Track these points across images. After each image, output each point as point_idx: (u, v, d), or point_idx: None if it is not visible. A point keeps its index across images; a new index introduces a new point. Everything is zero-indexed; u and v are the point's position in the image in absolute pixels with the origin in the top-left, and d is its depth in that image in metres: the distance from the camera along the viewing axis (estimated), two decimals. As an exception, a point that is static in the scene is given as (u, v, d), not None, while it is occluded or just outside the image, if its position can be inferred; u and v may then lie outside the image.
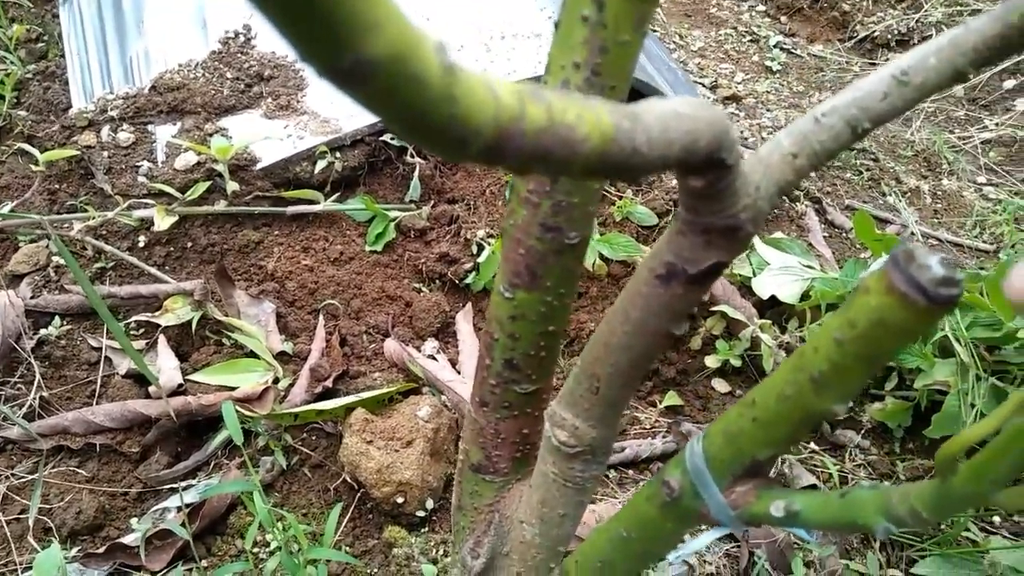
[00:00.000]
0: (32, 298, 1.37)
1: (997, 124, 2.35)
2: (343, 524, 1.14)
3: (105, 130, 1.59)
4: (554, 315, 0.64)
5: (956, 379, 1.28)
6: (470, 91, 0.24)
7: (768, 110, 2.22)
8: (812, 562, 1.19)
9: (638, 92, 1.83)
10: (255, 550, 1.08)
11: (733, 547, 1.17)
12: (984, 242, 1.92)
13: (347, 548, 1.10)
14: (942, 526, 1.22)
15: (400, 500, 1.11)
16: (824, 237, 1.78)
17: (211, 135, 1.54)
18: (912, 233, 1.82)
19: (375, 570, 1.06)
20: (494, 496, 0.75)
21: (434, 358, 1.41)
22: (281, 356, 1.34)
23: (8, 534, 1.08)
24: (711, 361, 1.45)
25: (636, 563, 0.58)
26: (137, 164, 1.54)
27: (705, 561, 1.14)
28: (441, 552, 1.09)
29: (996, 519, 1.28)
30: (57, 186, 1.55)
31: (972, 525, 1.20)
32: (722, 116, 0.38)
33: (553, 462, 0.65)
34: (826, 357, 0.41)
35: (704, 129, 0.36)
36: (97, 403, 1.25)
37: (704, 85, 2.25)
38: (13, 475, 1.15)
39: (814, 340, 0.42)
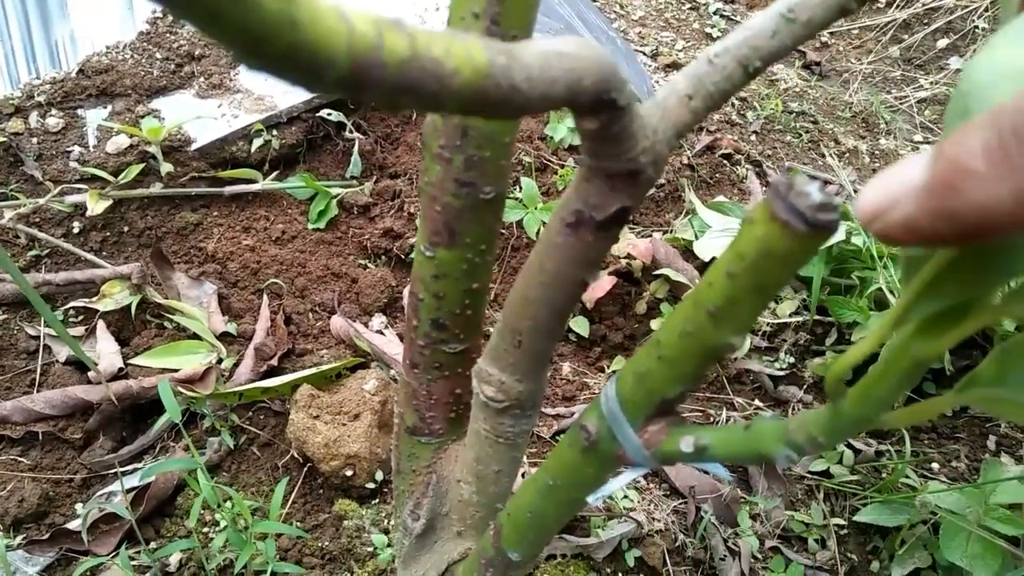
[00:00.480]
0: (-37, 289, 1.33)
1: (932, 83, 2.40)
2: (294, 500, 1.14)
3: (33, 116, 1.55)
4: (476, 272, 0.64)
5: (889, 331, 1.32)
6: (315, 17, 0.24)
7: (709, 76, 2.23)
8: (758, 515, 1.22)
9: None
10: (204, 529, 1.07)
11: (680, 503, 1.20)
12: (920, 198, 1.96)
13: (298, 523, 1.10)
14: (883, 475, 1.26)
15: (349, 473, 1.11)
16: (765, 199, 1.80)
17: (143, 117, 1.50)
18: (848, 192, 1.85)
19: (326, 543, 1.06)
20: (431, 458, 0.75)
21: (382, 333, 1.41)
22: (225, 337, 1.33)
23: (-52, 527, 1.06)
24: (656, 324, 1.47)
25: (563, 510, 0.59)
26: (68, 149, 1.51)
27: (654, 518, 1.17)
28: (391, 523, 1.10)
29: (935, 465, 1.32)
30: (-15, 174, 1.51)
31: (911, 472, 1.24)
32: (609, 56, 0.39)
33: (484, 419, 0.66)
34: (720, 291, 0.42)
35: (589, 68, 0.37)
36: (37, 391, 1.22)
37: (645, 53, 2.26)
38: (-49, 468, 1.12)
39: (709, 276, 0.43)
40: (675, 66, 2.25)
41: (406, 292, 1.53)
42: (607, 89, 0.39)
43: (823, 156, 2.04)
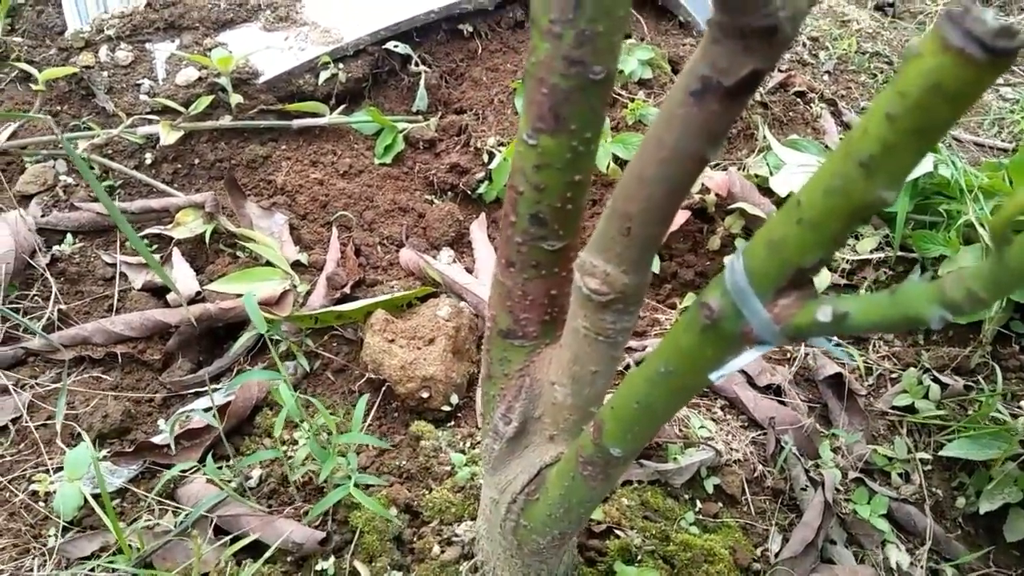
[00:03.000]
0: (43, 217, 1.36)
1: (1018, 23, 2.28)
2: (370, 423, 1.15)
3: (103, 50, 1.56)
4: (580, 161, 0.62)
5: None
6: None
7: None
8: (839, 448, 1.19)
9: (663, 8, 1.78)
10: (284, 448, 1.09)
11: (759, 435, 1.17)
12: (1003, 140, 1.88)
13: (376, 442, 1.10)
14: (969, 411, 1.22)
15: (425, 395, 1.11)
16: (840, 138, 1.74)
17: (211, 50, 1.50)
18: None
19: (403, 462, 1.06)
20: (524, 361, 0.74)
21: (451, 267, 1.40)
22: (296, 266, 1.33)
23: (38, 438, 1.08)
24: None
25: (675, 398, 0.58)
26: (138, 82, 1.51)
27: (732, 448, 1.15)
28: (468, 444, 1.10)
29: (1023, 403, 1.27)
30: (59, 107, 1.52)
31: (1001, 408, 1.19)
32: None
33: (584, 315, 0.64)
34: (876, 137, 0.39)
35: None
36: (115, 316, 1.24)
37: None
38: (38, 384, 1.15)
39: (863, 123, 0.40)
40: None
41: (472, 227, 1.51)
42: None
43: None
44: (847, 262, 1.42)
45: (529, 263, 0.69)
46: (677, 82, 0.51)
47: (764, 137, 1.61)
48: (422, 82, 1.58)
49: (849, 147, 0.41)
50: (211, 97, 1.46)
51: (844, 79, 1.98)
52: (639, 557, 0.96)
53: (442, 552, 0.93)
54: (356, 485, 0.92)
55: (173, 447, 1.03)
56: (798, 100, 1.77)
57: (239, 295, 1.23)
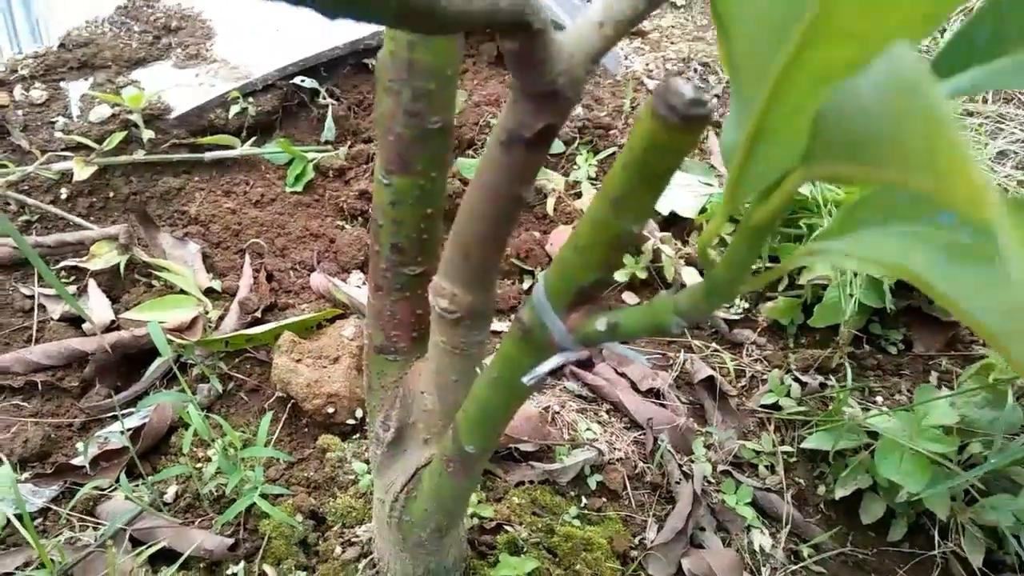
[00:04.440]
0: (-42, 253, 1.40)
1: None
2: (280, 438, 1.22)
3: (17, 89, 1.61)
4: (429, 197, 0.72)
5: (835, 272, 1.41)
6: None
7: (672, 43, 2.31)
8: (712, 444, 1.31)
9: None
10: (198, 465, 1.15)
11: (640, 435, 1.29)
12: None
13: (285, 457, 1.18)
14: (829, 406, 1.36)
15: (331, 410, 1.20)
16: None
17: (123, 87, 1.57)
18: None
19: (311, 473, 1.15)
20: (398, 374, 0.84)
21: (359, 288, 1.48)
22: (210, 293, 1.40)
23: (-45, 468, 1.13)
24: (619, 275, 1.55)
25: (508, 400, 0.68)
26: (52, 120, 1.57)
27: (615, 448, 1.26)
28: (369, 454, 1.18)
29: (879, 398, 1.41)
30: (-27, 145, 1.57)
31: (855, 403, 1.33)
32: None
33: (440, 331, 0.74)
34: (619, 181, 0.50)
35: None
36: (34, 346, 1.29)
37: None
38: (-45, 416, 1.20)
39: (613, 167, 0.50)
40: (640, 34, 2.32)
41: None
42: (522, 12, 0.47)
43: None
44: (726, 273, 1.55)
45: (394, 287, 0.79)
46: (493, 131, 0.62)
47: (653, 160, 1.74)
48: (330, 113, 1.67)
49: (605, 187, 0.52)
50: (124, 133, 1.52)
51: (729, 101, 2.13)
52: (524, 549, 1.06)
53: (343, 552, 1.01)
54: (262, 495, 1.00)
55: (89, 468, 1.09)
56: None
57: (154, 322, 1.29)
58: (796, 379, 1.38)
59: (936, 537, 1.21)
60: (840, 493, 1.25)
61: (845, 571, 1.21)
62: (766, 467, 1.29)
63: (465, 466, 0.76)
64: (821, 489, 1.29)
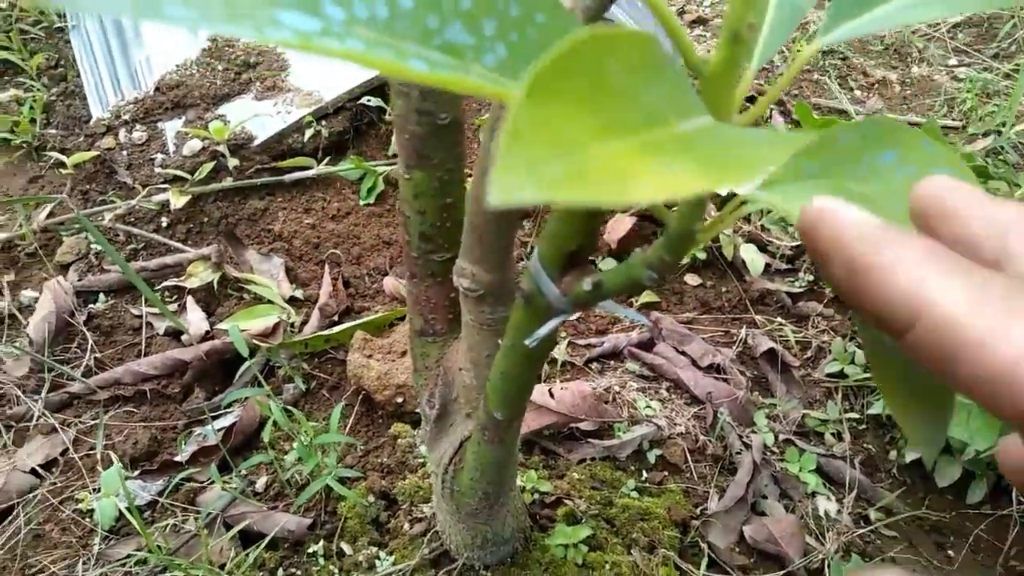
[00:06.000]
0: (79, 281, 1.58)
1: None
2: (358, 428, 1.32)
3: (122, 132, 1.79)
4: (448, 188, 0.79)
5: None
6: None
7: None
8: (777, 416, 1.32)
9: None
10: (282, 455, 1.27)
11: (700, 409, 1.31)
12: (953, 119, 1.99)
13: (361, 445, 1.28)
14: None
15: (400, 400, 1.28)
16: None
17: (211, 122, 1.72)
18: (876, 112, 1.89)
19: (385, 459, 1.24)
20: (438, 354, 0.91)
21: (429, 288, 1.57)
22: (293, 302, 1.53)
23: (82, 467, 1.29)
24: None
25: (522, 364, 0.73)
26: (152, 157, 1.74)
27: (675, 423, 1.29)
28: (439, 439, 1.26)
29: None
30: (88, 186, 1.76)
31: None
32: None
33: (468, 310, 0.81)
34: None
35: None
36: (142, 358, 1.45)
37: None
38: (80, 422, 1.36)
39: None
40: (701, 21, 2.33)
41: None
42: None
43: (851, 90, 2.08)
44: (788, 248, 1.55)
45: (427, 273, 0.86)
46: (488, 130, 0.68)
47: (711, 143, 1.75)
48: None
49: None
50: (213, 163, 1.68)
51: (797, 78, 2.11)
52: (582, 520, 1.11)
53: (411, 528, 1.10)
54: (337, 479, 1.09)
55: (189, 463, 1.22)
56: (747, 104, 1.91)
57: (243, 330, 1.42)
58: (859, 344, 1.36)
59: (1015, 496, 1.17)
60: (910, 456, 1.24)
61: (920, 534, 1.19)
62: (832, 435, 1.29)
63: (498, 433, 0.82)
64: (893, 455, 1.28)
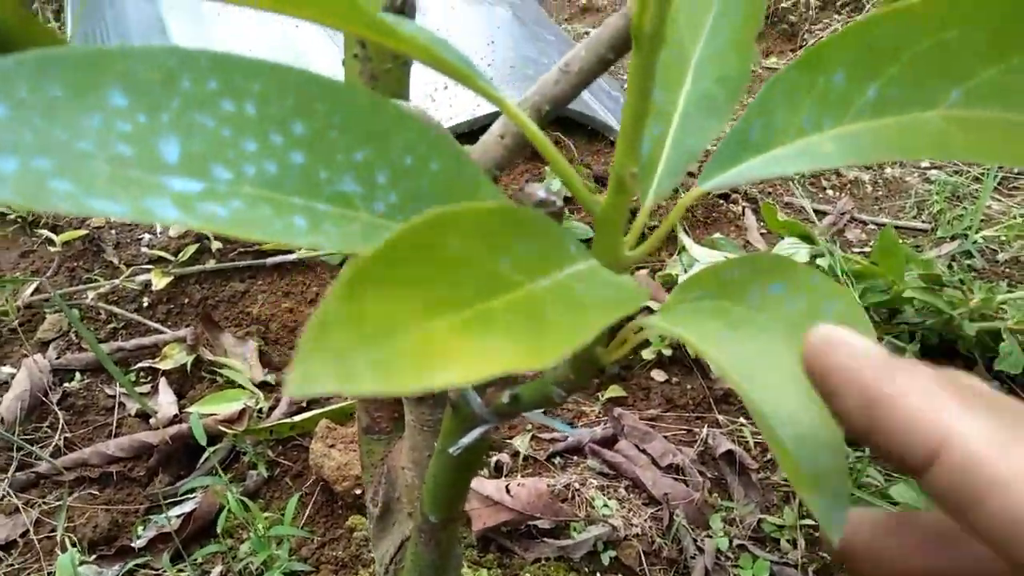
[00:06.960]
0: (57, 359, 1.61)
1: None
2: (316, 518, 1.33)
3: (113, 213, 1.85)
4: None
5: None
6: None
7: (733, 123, 2.38)
8: (734, 519, 1.32)
9: (575, 122, 2.03)
10: (238, 545, 1.27)
11: (657, 510, 1.32)
12: (922, 221, 2.04)
13: (318, 536, 1.28)
14: (853, 476, 1.35)
15: (359, 492, 1.29)
16: (761, 234, 1.92)
17: (198, 206, 1.78)
18: (846, 216, 1.95)
19: (340, 552, 1.24)
20: (383, 452, 0.93)
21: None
22: (264, 386, 1.55)
23: (40, 549, 1.29)
24: (646, 354, 1.61)
25: (451, 468, 0.75)
26: (140, 237, 1.80)
27: (631, 524, 1.29)
28: (396, 532, 1.26)
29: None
30: (75, 263, 1.81)
31: (877, 473, 1.32)
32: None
33: (409, 410, 0.84)
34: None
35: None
36: (111, 440, 1.46)
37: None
38: (44, 503, 1.37)
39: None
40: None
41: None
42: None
43: (824, 190, 2.15)
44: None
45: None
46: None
47: (682, 239, 1.81)
48: (379, 218, 1.83)
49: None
50: (197, 245, 1.73)
51: (771, 179, 2.18)
52: (531, 622, 1.10)
53: (358, 625, 1.09)
54: (285, 572, 1.09)
55: (147, 550, 1.22)
56: (721, 201, 1.97)
57: (211, 414, 1.44)
58: (819, 452, 1.37)
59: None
60: (866, 568, 1.23)
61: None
62: (788, 541, 1.29)
63: (434, 535, 0.84)
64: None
